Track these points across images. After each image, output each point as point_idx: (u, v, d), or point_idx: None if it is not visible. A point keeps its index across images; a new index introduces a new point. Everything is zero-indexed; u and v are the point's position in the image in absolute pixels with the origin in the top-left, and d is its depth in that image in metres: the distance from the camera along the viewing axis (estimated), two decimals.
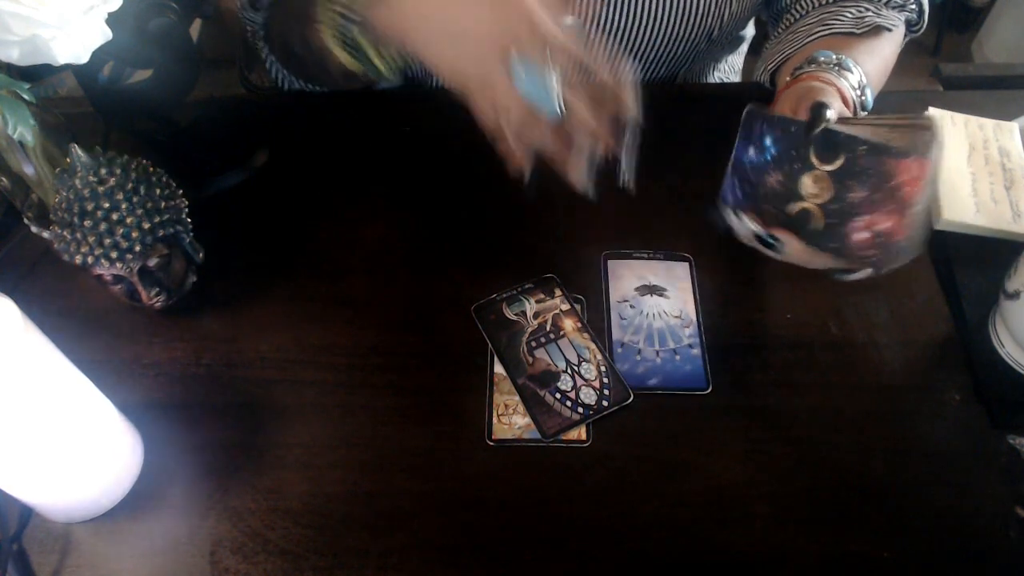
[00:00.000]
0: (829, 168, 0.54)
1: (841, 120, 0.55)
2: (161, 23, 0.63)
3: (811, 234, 0.56)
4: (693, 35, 0.77)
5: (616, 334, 0.63)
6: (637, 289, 0.66)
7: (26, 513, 0.54)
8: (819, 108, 0.54)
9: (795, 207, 0.56)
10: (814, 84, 0.63)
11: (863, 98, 0.66)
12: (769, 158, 0.57)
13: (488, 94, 0.52)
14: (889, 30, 0.72)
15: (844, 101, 0.64)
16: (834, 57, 0.66)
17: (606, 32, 0.75)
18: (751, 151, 0.58)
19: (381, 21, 0.56)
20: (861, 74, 0.66)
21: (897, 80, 0.76)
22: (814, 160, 0.54)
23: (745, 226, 0.59)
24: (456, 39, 0.52)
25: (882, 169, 0.51)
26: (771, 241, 0.57)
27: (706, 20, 0.75)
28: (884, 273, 0.55)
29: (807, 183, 0.55)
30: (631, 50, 0.77)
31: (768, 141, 0.56)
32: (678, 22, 0.75)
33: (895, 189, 0.51)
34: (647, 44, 0.77)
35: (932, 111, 0.78)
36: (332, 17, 0.59)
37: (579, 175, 0.54)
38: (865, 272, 0.57)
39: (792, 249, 0.58)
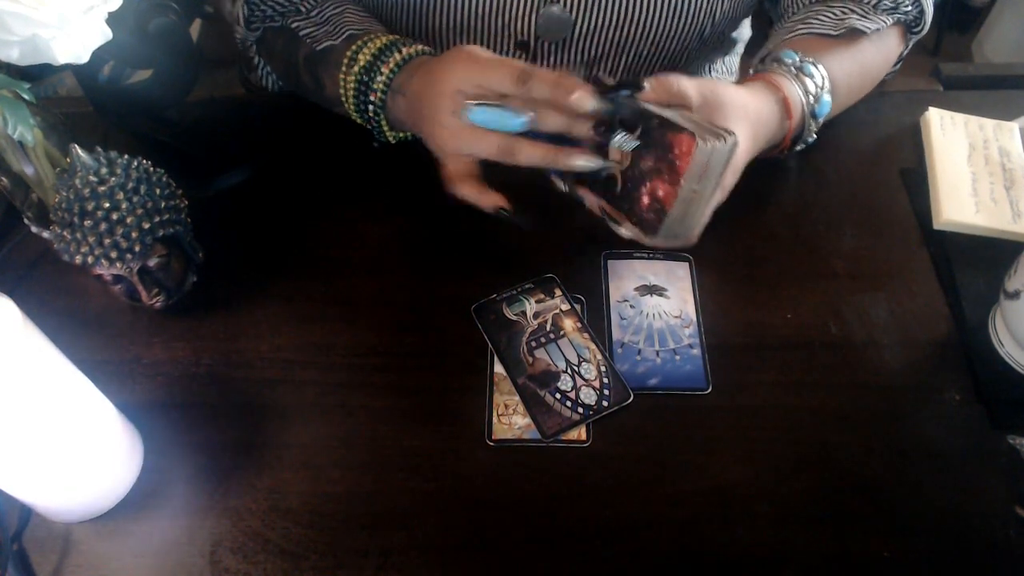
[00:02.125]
0: (630, 138, 0.59)
1: (660, 105, 0.59)
2: (161, 23, 0.63)
3: (610, 196, 0.62)
4: (684, 33, 0.76)
5: (616, 334, 0.63)
6: (637, 289, 0.66)
7: (26, 513, 0.54)
8: (634, 79, 0.58)
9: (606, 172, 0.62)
10: (757, 84, 0.66)
11: (814, 105, 0.67)
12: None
13: (444, 145, 0.61)
14: (865, 32, 0.72)
15: (787, 106, 0.65)
16: (797, 59, 0.67)
17: (597, 27, 0.75)
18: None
19: (399, 110, 0.66)
20: (824, 79, 0.67)
21: (897, 80, 0.77)
22: (619, 131, 0.60)
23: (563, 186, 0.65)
24: (426, 119, 0.62)
25: (664, 140, 0.56)
26: (573, 196, 0.64)
27: (697, 18, 0.75)
28: (653, 242, 0.61)
29: (614, 149, 0.60)
30: (622, 47, 0.77)
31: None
32: (668, 19, 0.75)
33: (672, 161, 0.56)
34: (639, 40, 0.76)
35: (932, 111, 0.78)
36: (352, 89, 0.68)
37: (582, 161, 0.59)
38: (635, 233, 0.61)
39: (590, 203, 0.64)
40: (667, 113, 0.57)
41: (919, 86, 0.90)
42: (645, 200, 0.59)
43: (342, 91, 0.68)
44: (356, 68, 0.66)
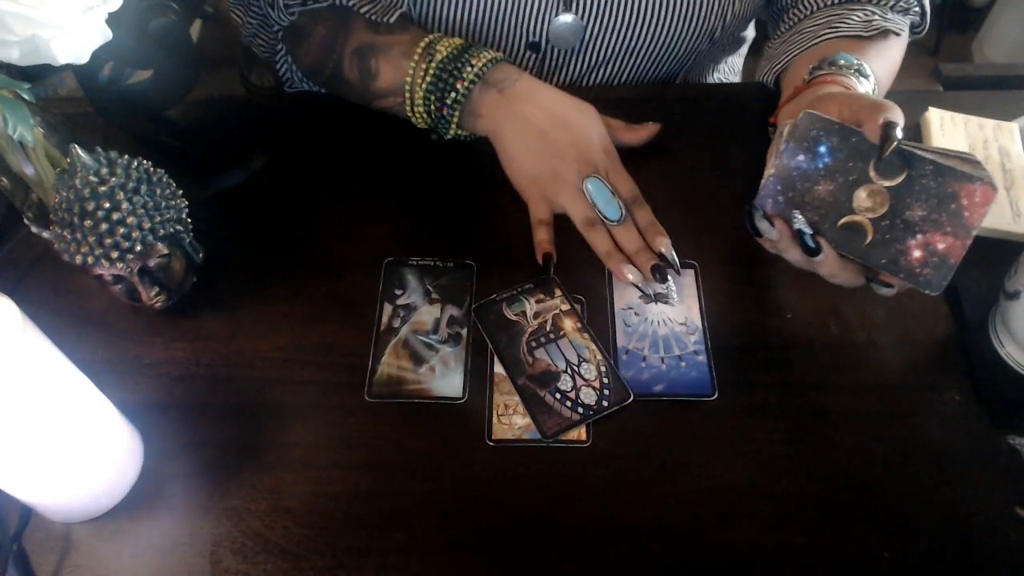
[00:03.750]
0: (888, 183, 0.54)
1: (908, 143, 0.54)
2: (161, 23, 0.63)
3: (855, 248, 0.55)
4: (696, 34, 0.76)
5: (621, 340, 0.63)
6: (641, 296, 0.65)
7: (26, 513, 0.54)
8: (890, 127, 0.52)
9: (843, 219, 0.56)
10: (834, 90, 0.62)
11: None
12: (822, 166, 0.56)
13: (552, 191, 0.67)
14: (897, 34, 0.72)
15: None
16: (855, 62, 0.65)
17: (609, 30, 0.75)
18: (801, 157, 0.56)
19: (484, 104, 0.69)
20: (875, 80, 0.66)
21: (897, 80, 0.76)
22: (872, 174, 0.54)
23: (775, 231, 0.58)
24: (543, 151, 0.67)
25: (946, 190, 0.52)
26: (811, 245, 0.56)
27: (709, 19, 0.75)
28: (936, 293, 0.55)
29: (861, 196, 0.55)
30: (633, 48, 0.77)
31: (823, 148, 0.56)
32: (681, 20, 0.75)
33: (957, 211, 0.52)
34: (650, 42, 0.76)
35: (932, 111, 0.78)
36: (429, 77, 0.68)
37: (632, 276, 0.64)
38: (896, 289, 0.56)
39: (828, 258, 0.56)
40: (936, 157, 0.52)
41: (919, 86, 0.90)
42: (917, 254, 0.53)
43: (409, 79, 0.69)
44: (439, 57, 0.68)
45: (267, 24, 0.73)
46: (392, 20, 0.70)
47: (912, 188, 0.53)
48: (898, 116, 0.53)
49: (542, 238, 0.66)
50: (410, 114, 0.71)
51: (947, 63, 0.95)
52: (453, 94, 0.68)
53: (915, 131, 0.78)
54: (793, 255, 0.58)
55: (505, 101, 0.68)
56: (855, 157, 0.55)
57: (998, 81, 0.93)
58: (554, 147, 0.67)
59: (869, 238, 0.55)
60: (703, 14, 0.75)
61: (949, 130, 0.77)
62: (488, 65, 0.68)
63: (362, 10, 0.70)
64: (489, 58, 0.68)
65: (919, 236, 0.53)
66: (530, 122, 0.67)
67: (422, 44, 0.68)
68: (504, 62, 0.69)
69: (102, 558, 0.53)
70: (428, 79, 0.68)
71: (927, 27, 0.77)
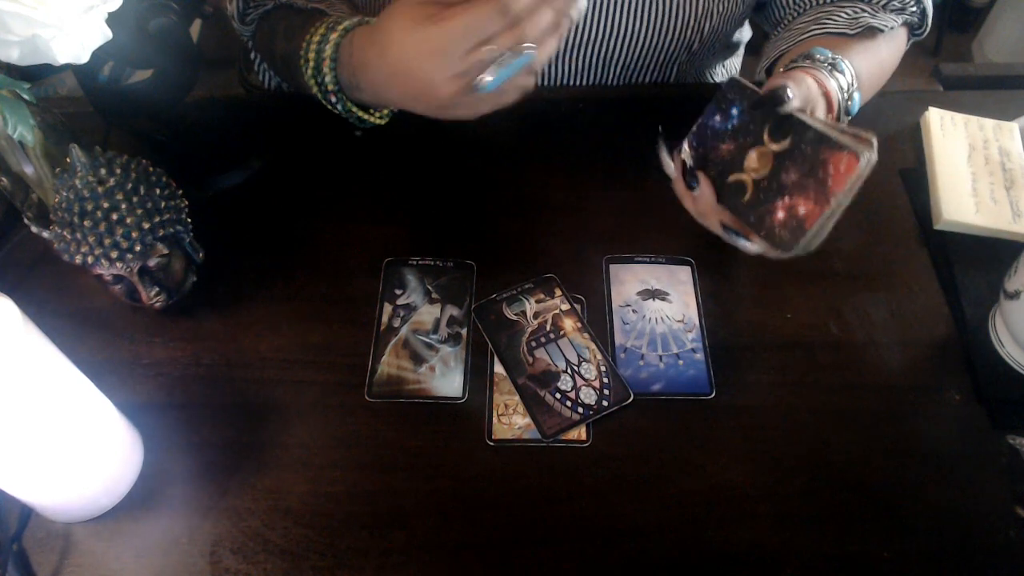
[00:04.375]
0: (775, 147, 0.57)
1: (799, 111, 0.57)
2: (161, 23, 0.63)
3: (734, 203, 0.59)
4: (671, 47, 0.78)
5: (619, 339, 0.63)
6: (639, 293, 0.65)
7: (26, 513, 0.54)
8: (779, 89, 0.56)
9: (732, 177, 0.59)
10: (802, 77, 0.64)
11: (849, 102, 0.66)
12: (730, 127, 0.60)
13: (472, 115, 0.57)
14: (882, 31, 0.72)
15: (828, 101, 0.64)
16: (829, 55, 0.66)
17: (583, 42, 0.76)
18: (718, 117, 0.60)
19: (363, 82, 0.61)
20: (852, 77, 0.66)
21: (897, 80, 0.76)
22: (765, 137, 0.57)
23: (671, 166, 0.62)
24: (420, 100, 0.58)
25: (818, 157, 0.54)
26: (691, 178, 0.61)
27: (684, 34, 0.76)
28: (786, 256, 0.57)
29: (752, 157, 0.58)
30: (609, 59, 0.78)
31: (735, 111, 0.59)
32: (654, 34, 0.76)
33: (823, 178, 0.54)
34: (625, 54, 0.78)
35: (932, 111, 0.78)
36: (316, 89, 0.65)
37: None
38: (759, 248, 0.58)
39: (703, 195, 0.60)
40: (824, 128, 0.54)
41: (919, 86, 0.90)
42: (780, 215, 0.56)
43: (315, 92, 0.65)
44: (310, 70, 0.64)
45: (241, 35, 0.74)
46: (309, 7, 0.67)
47: (793, 153, 0.55)
48: (797, 89, 0.57)
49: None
50: (330, 106, 0.67)
51: (947, 63, 0.95)
52: (332, 97, 0.64)
53: (915, 131, 0.78)
54: (678, 188, 0.62)
55: (361, 64, 0.61)
56: (756, 120, 0.58)
57: (998, 81, 0.93)
58: (419, 86, 0.57)
59: (747, 196, 0.58)
60: (678, 28, 0.76)
61: (949, 130, 0.77)
62: (341, 36, 0.62)
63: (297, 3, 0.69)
64: (342, 28, 0.62)
65: (786, 199, 0.55)
66: (387, 85, 0.60)
67: (302, 57, 0.64)
68: (353, 28, 0.63)
69: (102, 558, 0.53)
70: (316, 90, 0.65)
71: (928, 28, 0.76)
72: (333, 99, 0.65)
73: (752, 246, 0.58)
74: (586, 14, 0.74)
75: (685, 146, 0.62)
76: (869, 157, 0.52)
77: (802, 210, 0.55)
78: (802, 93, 0.58)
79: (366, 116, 0.67)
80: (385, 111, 0.68)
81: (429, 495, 0.55)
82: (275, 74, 0.79)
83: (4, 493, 0.50)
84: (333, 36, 0.62)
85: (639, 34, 0.76)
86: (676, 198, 0.71)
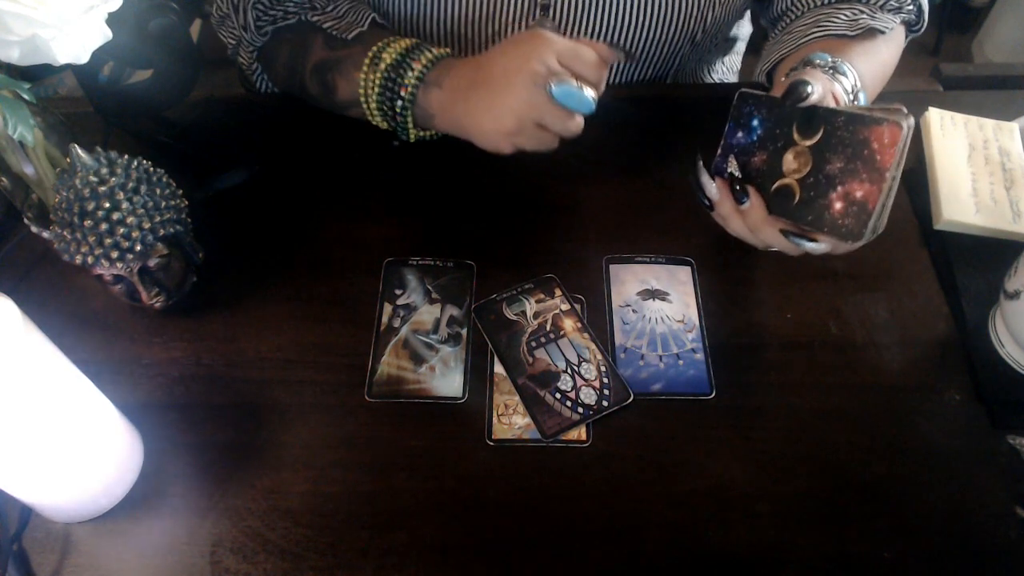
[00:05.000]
0: (809, 142, 0.56)
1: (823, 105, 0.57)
2: (161, 23, 0.63)
3: (787, 210, 0.57)
4: (675, 38, 0.77)
5: (619, 339, 0.63)
6: (639, 293, 0.65)
7: (26, 513, 0.54)
8: (797, 84, 0.55)
9: (776, 184, 0.58)
10: (812, 71, 0.63)
11: (855, 102, 0.66)
12: (755, 138, 0.59)
13: (529, 123, 0.61)
14: (883, 32, 0.72)
15: (836, 102, 0.64)
16: (829, 60, 0.66)
17: (584, 34, 0.76)
18: (740, 134, 0.60)
19: (432, 104, 0.66)
20: (855, 78, 0.66)
21: (897, 80, 0.76)
22: (796, 136, 0.56)
23: (714, 187, 0.60)
24: (487, 100, 0.62)
25: (858, 137, 0.53)
26: (744, 199, 0.59)
27: (688, 24, 0.76)
28: (856, 247, 0.55)
29: (788, 159, 0.57)
30: None
31: (755, 122, 0.59)
32: (657, 25, 0.76)
33: (869, 156, 0.52)
34: (629, 46, 0.77)
35: (932, 111, 0.78)
36: (377, 87, 0.67)
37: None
38: (826, 247, 0.57)
39: (754, 206, 0.58)
40: (851, 109, 0.54)
41: (919, 86, 0.90)
42: (838, 206, 0.54)
43: (362, 91, 0.68)
44: (383, 66, 0.67)
45: (244, 44, 0.74)
46: (350, 37, 0.69)
47: (830, 142, 0.55)
48: (814, 81, 0.56)
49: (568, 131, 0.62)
50: (374, 121, 0.71)
51: (947, 63, 0.95)
52: (400, 101, 0.67)
53: (915, 131, 0.78)
54: (725, 208, 0.60)
55: (449, 94, 0.65)
56: (781, 123, 0.57)
57: (998, 81, 0.93)
58: (491, 87, 0.62)
59: (797, 198, 0.56)
60: (682, 19, 0.75)
61: (949, 130, 0.77)
62: (428, 66, 0.66)
63: (325, 26, 0.71)
64: (430, 58, 0.66)
65: (839, 188, 0.54)
66: (468, 91, 0.64)
67: (369, 54, 0.68)
68: (447, 58, 0.67)
69: (102, 558, 0.53)
70: (376, 89, 0.67)
71: (925, 25, 0.77)
72: (399, 103, 0.67)
73: (819, 246, 0.57)
74: (590, 7, 0.74)
75: (731, 161, 0.60)
76: (910, 123, 0.51)
77: (859, 194, 0.53)
78: (819, 84, 0.58)
79: (420, 133, 0.70)
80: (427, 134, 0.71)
81: (429, 495, 0.55)
82: (283, 85, 0.78)
83: (4, 493, 0.50)
84: (436, 51, 0.66)
85: (643, 25, 0.76)
86: (676, 198, 0.71)
